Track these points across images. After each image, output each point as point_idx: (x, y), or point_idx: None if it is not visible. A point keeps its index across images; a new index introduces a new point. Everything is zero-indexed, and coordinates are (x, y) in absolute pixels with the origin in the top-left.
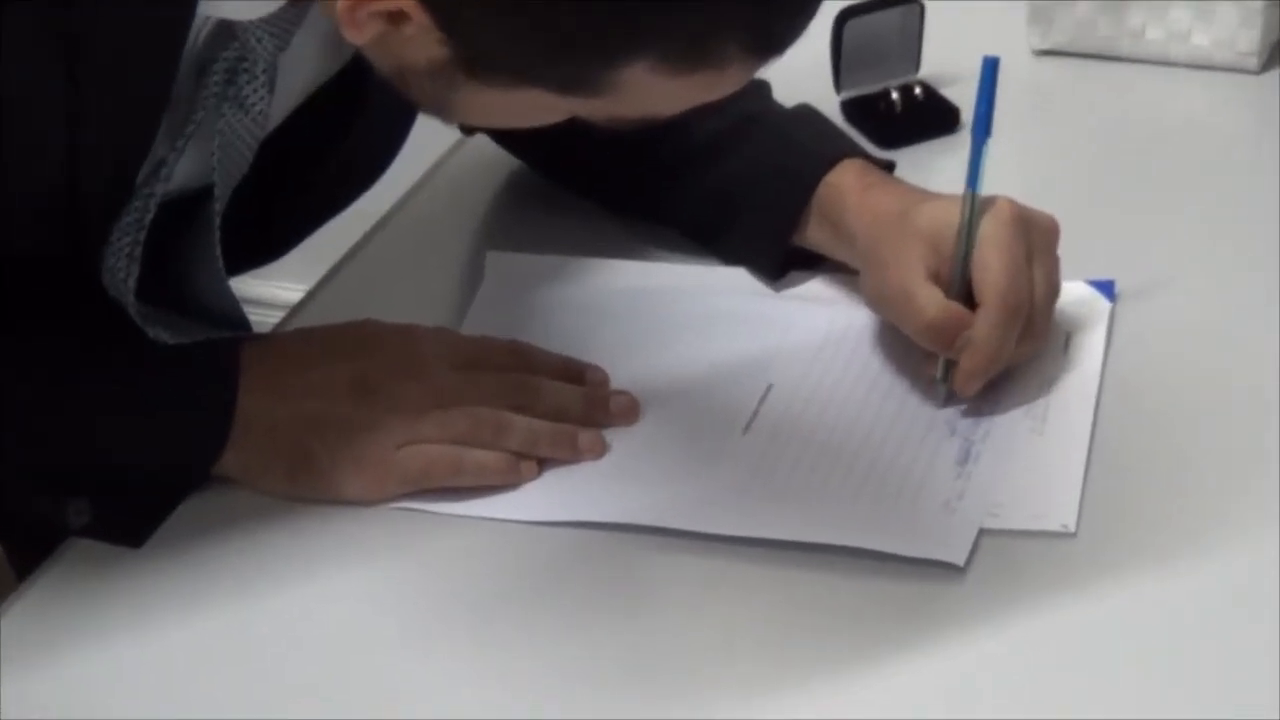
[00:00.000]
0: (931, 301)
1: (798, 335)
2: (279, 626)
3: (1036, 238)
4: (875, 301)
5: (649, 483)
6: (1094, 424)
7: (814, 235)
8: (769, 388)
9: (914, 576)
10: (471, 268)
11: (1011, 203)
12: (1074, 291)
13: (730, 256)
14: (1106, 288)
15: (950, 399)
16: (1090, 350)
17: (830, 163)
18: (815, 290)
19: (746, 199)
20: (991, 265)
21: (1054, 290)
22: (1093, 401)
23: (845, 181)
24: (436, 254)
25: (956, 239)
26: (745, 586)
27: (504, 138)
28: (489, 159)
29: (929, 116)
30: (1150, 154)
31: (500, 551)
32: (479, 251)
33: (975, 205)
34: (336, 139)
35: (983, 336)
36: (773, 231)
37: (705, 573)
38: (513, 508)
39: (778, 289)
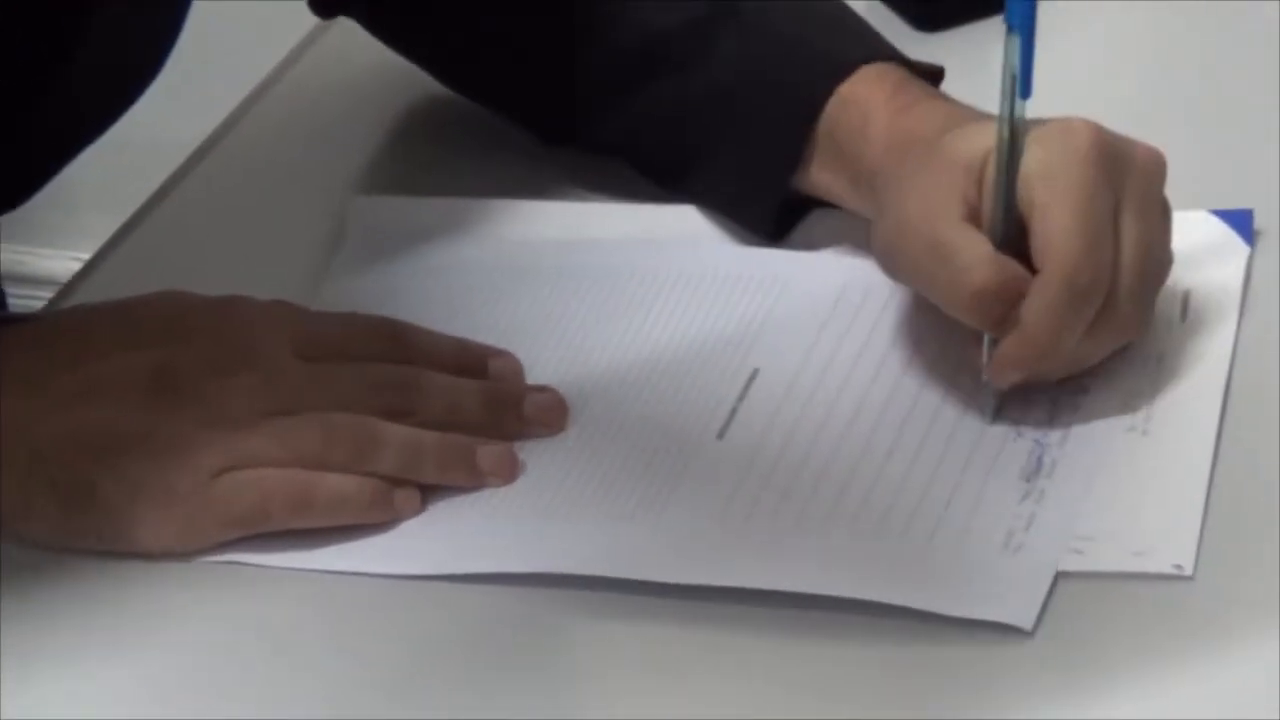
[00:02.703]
0: (978, 257)
1: (794, 302)
2: None
3: (1131, 182)
4: (890, 258)
5: (581, 516)
6: (1220, 424)
7: (820, 177)
8: (753, 375)
9: (962, 643)
10: (328, 217)
11: (1093, 127)
12: (1193, 227)
13: (703, 203)
14: (1241, 221)
15: (1000, 409)
16: (1218, 315)
17: (846, 69)
18: (821, 243)
19: (724, 122)
20: (1054, 219)
21: (1155, 263)
22: (1220, 392)
23: (868, 97)
24: (275, 198)
25: (995, 171)
26: (718, 662)
27: (379, 21)
28: (356, 58)
29: None
30: None
31: (369, 621)
32: (339, 194)
33: (1017, 120)
34: (64, 33)
35: (1032, 319)
36: (763, 170)
37: (662, 644)
38: (386, 557)
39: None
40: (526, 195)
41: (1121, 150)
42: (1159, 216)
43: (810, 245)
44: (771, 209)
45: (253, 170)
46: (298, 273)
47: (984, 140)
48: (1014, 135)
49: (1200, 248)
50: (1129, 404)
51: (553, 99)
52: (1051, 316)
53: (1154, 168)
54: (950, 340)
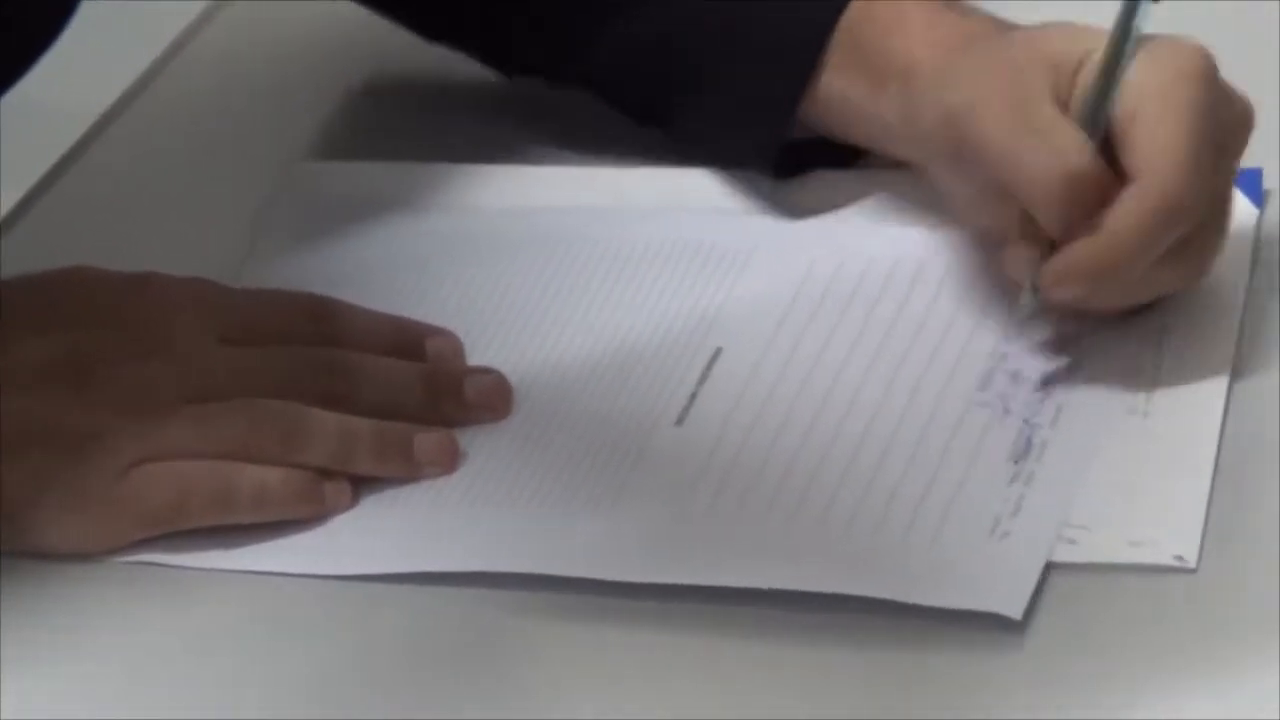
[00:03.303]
0: (1076, 141)
1: (762, 275)
2: None
3: (1231, 125)
4: (956, 134)
5: (528, 510)
6: (1227, 404)
7: (836, 83)
8: (716, 354)
9: (946, 640)
10: (254, 185)
11: (1206, 53)
12: None
13: (694, 138)
14: (1250, 181)
15: (1032, 318)
16: (1226, 282)
17: None
18: (791, 212)
19: (724, 34)
20: (1163, 132)
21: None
22: (1227, 369)
23: (893, 8)
24: (195, 165)
25: (1102, 66)
26: (683, 666)
27: None
28: (289, 11)
29: None
30: None
31: (299, 627)
32: (266, 160)
33: (1136, 23)
34: None
35: (1119, 227)
36: (774, 77)
37: (621, 648)
38: (316, 557)
39: (774, 195)
40: (472, 159)
41: (1228, 89)
42: (1238, 165)
43: (780, 214)
44: (780, 127)
45: (170, 135)
46: (220, 247)
47: (1081, 40)
48: (1126, 37)
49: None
50: (1128, 381)
51: (518, 25)
52: (1140, 227)
53: (1249, 119)
54: (933, 315)
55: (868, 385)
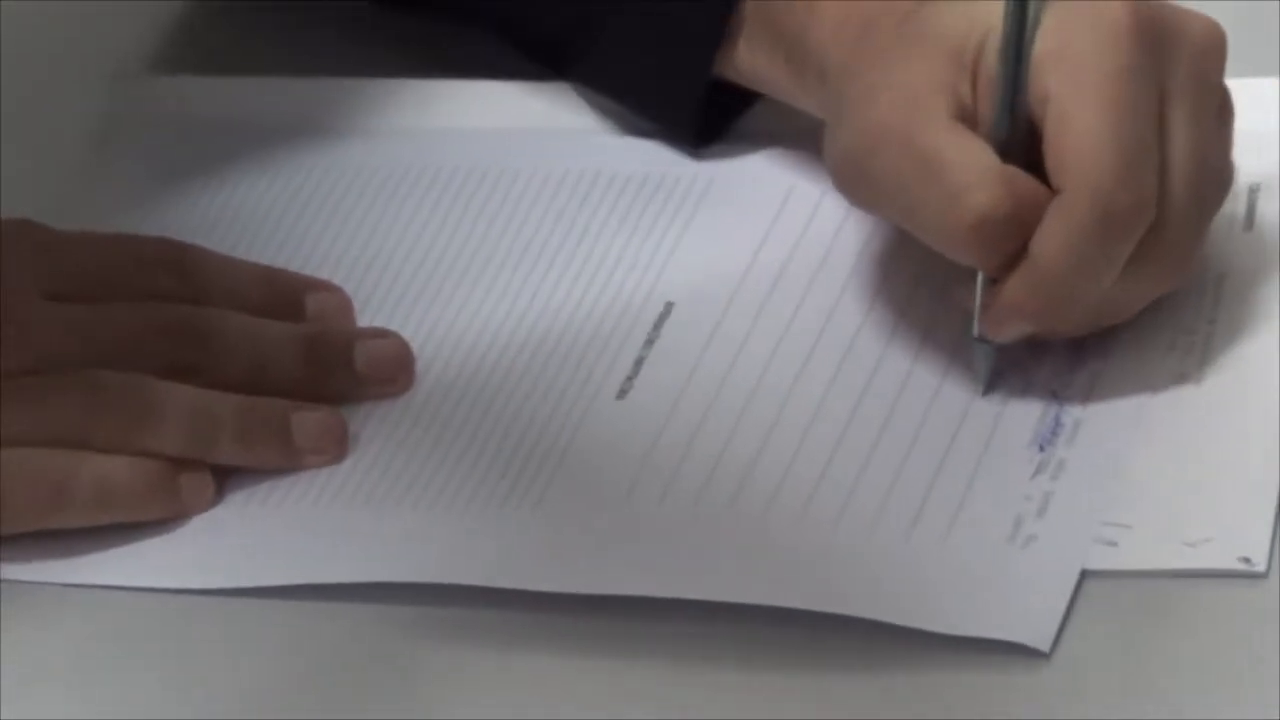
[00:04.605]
0: (977, 171)
1: (721, 215)
2: None
3: (1181, 68)
4: (852, 179)
5: (433, 507)
6: None
7: (751, 60)
8: (665, 311)
9: (956, 672)
10: (91, 104)
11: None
12: (1258, 100)
13: (605, 93)
14: None
15: (997, 375)
16: None
17: None
18: (758, 136)
19: None
20: (1080, 117)
21: (1213, 176)
22: None
23: None
24: (17, 81)
25: (1001, 53)
26: (619, 694)
27: None
28: None
29: None
30: None
31: (153, 651)
32: (106, 74)
33: None
34: None
35: (1050, 253)
36: (677, 46)
37: (545, 675)
38: (170, 567)
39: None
40: (362, 72)
41: (1169, 24)
42: (1217, 113)
43: (744, 139)
44: (691, 100)
45: None
46: (49, 181)
47: (979, 15)
48: (1025, 3)
49: (1270, 128)
50: (1176, 342)
51: None
52: (1075, 249)
53: (1212, 47)
54: (931, 266)
55: (856, 351)
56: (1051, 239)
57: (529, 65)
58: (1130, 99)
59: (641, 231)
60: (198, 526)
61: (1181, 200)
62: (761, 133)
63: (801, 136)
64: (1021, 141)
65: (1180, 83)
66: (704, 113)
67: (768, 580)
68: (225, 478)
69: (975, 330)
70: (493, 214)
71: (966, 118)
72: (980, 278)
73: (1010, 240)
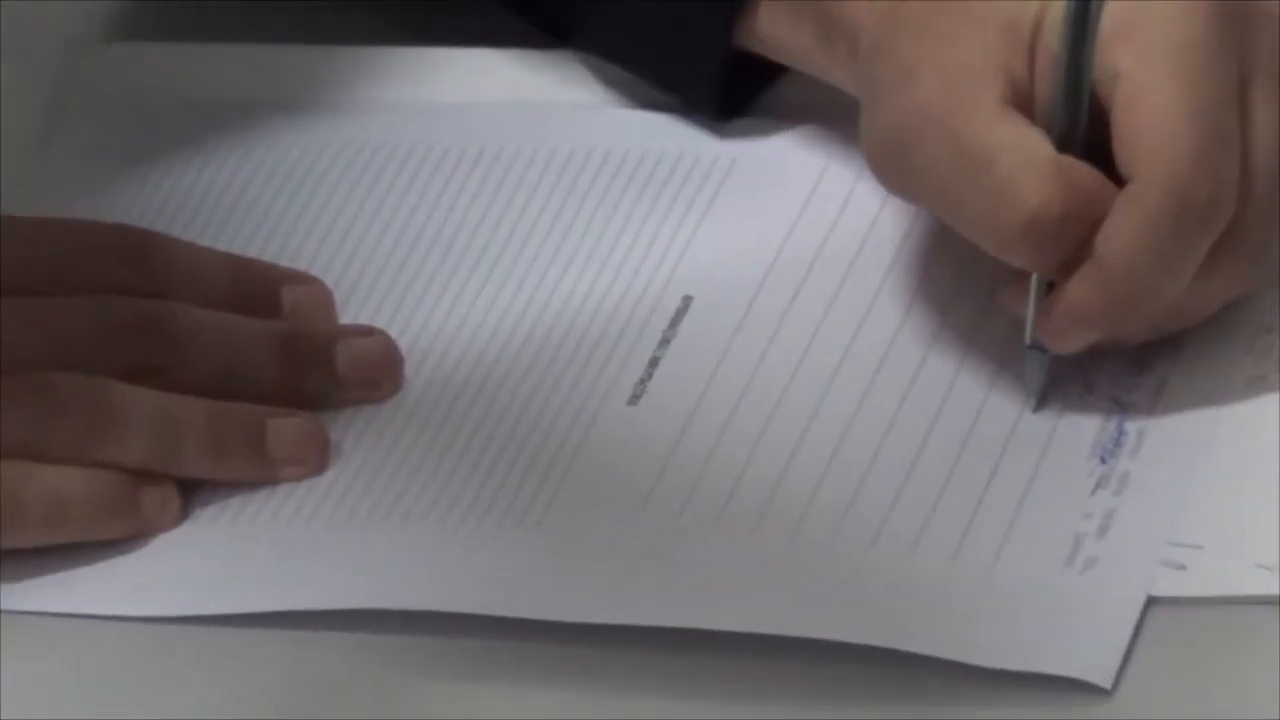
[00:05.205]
0: (1031, 163)
1: (745, 200)
2: None
3: (1263, 45)
4: (891, 168)
5: (420, 526)
6: None
7: (774, 29)
8: (683, 307)
9: (1006, 705)
10: (43, 74)
11: None
12: None
13: (619, 64)
14: None
15: (1043, 396)
16: None
17: None
18: (786, 111)
19: None
20: (1153, 101)
21: None
22: None
23: None
24: None
25: (1063, 32)
26: None
27: None
28: None
29: None
30: None
31: (115, 685)
32: (60, 41)
33: None
34: None
35: (1118, 252)
36: (695, 16)
37: (547, 710)
38: (133, 593)
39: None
40: (342, 40)
41: (1243, 6)
42: None
43: (771, 114)
44: (710, 68)
45: None
46: None
47: None
48: None
49: None
50: (1254, 344)
51: None
52: (1148, 245)
53: None
54: (978, 260)
55: (894, 354)
56: (1120, 234)
57: (528, 31)
58: (1209, 75)
59: (656, 217)
60: (161, 547)
61: (1264, 189)
62: (791, 108)
63: (837, 112)
64: (1084, 128)
65: (1263, 59)
66: (725, 83)
67: (795, 609)
68: (192, 492)
69: (1028, 338)
70: (488, 198)
71: (1020, 101)
72: (1035, 280)
73: (1067, 240)
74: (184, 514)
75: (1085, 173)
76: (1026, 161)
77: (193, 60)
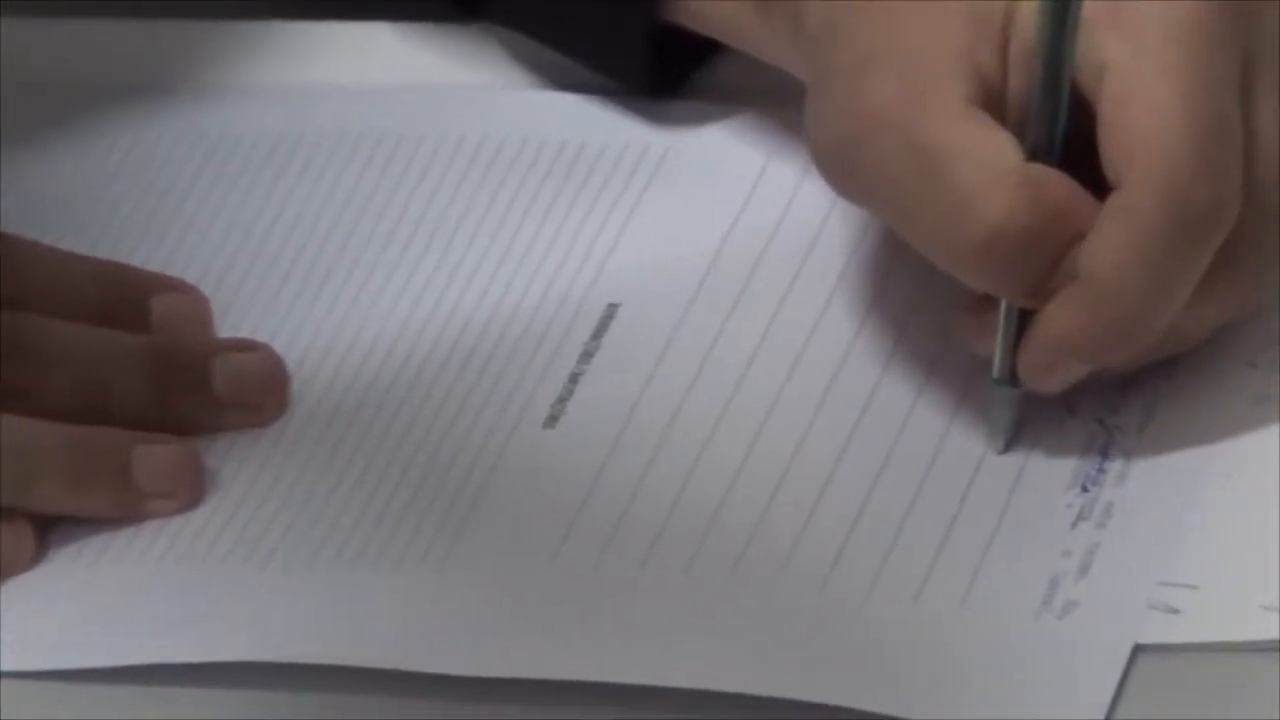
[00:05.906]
0: (993, 172)
1: (678, 194)
2: None
3: (1266, 27)
4: (838, 167)
5: (310, 569)
6: None
7: (709, 4)
8: (607, 316)
9: None
10: None
11: None
12: None
13: (534, 36)
14: None
15: (1012, 436)
16: None
17: None
18: (727, 94)
19: None
20: (1145, 98)
21: None
22: None
23: None
24: None
25: (1040, 18)
26: None
27: None
28: None
29: None
30: None
31: None
32: None
33: None
34: None
35: (1106, 269)
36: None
37: None
38: None
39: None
40: (215, 14)
41: None
42: None
43: (709, 98)
44: (637, 34)
45: None
46: None
47: None
48: None
49: None
50: (1256, 359)
51: None
52: (1142, 263)
53: None
54: (941, 271)
55: (847, 370)
56: (1109, 248)
57: (431, 4)
58: (1208, 65)
59: (577, 215)
60: (12, 593)
61: (1270, 194)
62: (731, 91)
63: (783, 98)
64: (1064, 129)
65: (1266, 45)
66: (655, 55)
67: (730, 661)
68: (48, 530)
69: (996, 371)
70: (386, 194)
71: (990, 99)
72: (1004, 305)
73: (1034, 261)
74: (39, 555)
75: (1057, 183)
76: (989, 169)
77: (43, 36)
